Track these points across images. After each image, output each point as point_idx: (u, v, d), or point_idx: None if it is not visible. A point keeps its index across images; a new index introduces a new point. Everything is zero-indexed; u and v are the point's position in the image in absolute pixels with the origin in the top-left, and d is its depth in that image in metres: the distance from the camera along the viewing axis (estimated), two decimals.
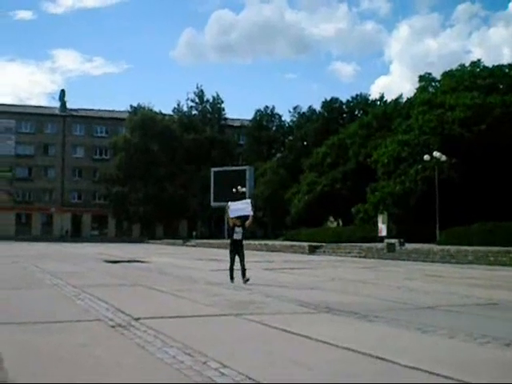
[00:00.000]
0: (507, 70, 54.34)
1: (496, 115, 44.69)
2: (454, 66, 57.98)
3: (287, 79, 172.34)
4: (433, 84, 58.57)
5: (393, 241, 36.47)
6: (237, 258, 17.19)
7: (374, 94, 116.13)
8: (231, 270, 17.17)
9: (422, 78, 59.76)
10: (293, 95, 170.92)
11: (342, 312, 11.43)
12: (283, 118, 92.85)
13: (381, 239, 40.30)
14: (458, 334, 9.02)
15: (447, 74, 56.57)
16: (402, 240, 36.26)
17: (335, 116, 77.84)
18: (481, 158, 42.49)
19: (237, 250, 17.13)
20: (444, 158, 40.31)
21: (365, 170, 52.88)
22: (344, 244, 42.66)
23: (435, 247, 34.30)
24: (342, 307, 11.97)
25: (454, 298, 14.36)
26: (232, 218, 17.03)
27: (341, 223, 65.63)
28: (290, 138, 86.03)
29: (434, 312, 11.74)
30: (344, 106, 79.27)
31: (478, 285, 18.15)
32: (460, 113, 45.48)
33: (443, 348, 8.14)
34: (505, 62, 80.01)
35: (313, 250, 43.26)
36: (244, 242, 17.60)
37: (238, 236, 17.11)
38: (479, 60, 56.78)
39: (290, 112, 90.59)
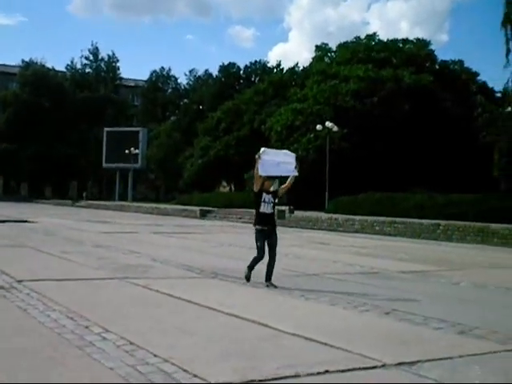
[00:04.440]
0: (401, 45, 55.51)
1: (388, 88, 45.72)
2: (351, 38, 58.81)
3: (186, 41, 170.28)
4: (329, 54, 59.11)
5: (283, 208, 36.91)
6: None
7: (271, 61, 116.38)
8: (255, 261, 10.94)
9: (318, 48, 60.16)
10: (191, 57, 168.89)
11: (228, 277, 11.54)
12: (179, 81, 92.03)
13: None
14: (340, 301, 9.28)
15: (343, 46, 57.30)
16: (291, 207, 36.78)
17: (232, 81, 77.47)
18: (372, 130, 43.40)
19: (267, 232, 10.93)
20: (336, 128, 40.92)
21: (258, 136, 52.90)
22: (235, 209, 42.91)
23: (323, 215, 35.00)
24: (228, 273, 12.08)
25: (338, 265, 14.74)
26: (261, 177, 11.07)
27: (233, 188, 65.95)
28: (186, 101, 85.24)
29: (318, 279, 12.02)
30: (241, 72, 79.09)
31: (361, 253, 18.68)
32: (353, 84, 46.22)
33: (324, 315, 8.35)
34: (402, 36, 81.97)
35: (204, 215, 43.36)
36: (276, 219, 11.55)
37: (267, 208, 11.00)
38: (375, 33, 57.71)
39: (186, 75, 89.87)
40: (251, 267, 10.90)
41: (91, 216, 39.82)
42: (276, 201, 11.19)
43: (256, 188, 11.10)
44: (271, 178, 11.28)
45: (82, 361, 5.58)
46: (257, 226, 10.98)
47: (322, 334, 6.82)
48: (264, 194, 10.98)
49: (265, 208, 10.97)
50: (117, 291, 9.76)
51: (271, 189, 11.24)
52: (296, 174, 11.20)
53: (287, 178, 11.32)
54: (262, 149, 11.27)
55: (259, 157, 10.95)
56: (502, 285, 12.04)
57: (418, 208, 32.05)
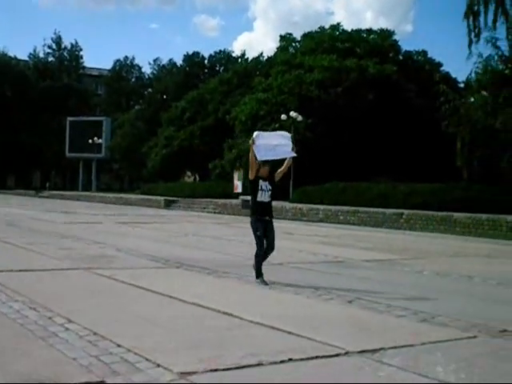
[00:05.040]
0: (365, 35, 55.74)
1: (352, 78, 45.90)
2: (316, 28, 58.85)
3: (150, 30, 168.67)
4: (293, 44, 59.11)
5: (248, 197, 36.86)
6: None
7: (236, 51, 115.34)
8: (258, 257, 10.32)
9: (282, 38, 60.17)
10: (155, 47, 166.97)
11: (192, 267, 11.53)
12: (143, 70, 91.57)
13: (236, 196, 40.71)
14: (304, 290, 9.32)
15: (307, 36, 57.32)
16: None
17: (196, 70, 77.16)
18: (336, 120, 43.53)
19: (265, 222, 10.29)
20: (300, 118, 40.95)
21: (223, 126, 52.95)
22: (200, 199, 42.84)
23: (288, 205, 35.06)
24: (193, 262, 12.07)
25: (303, 255, 14.79)
26: (257, 163, 10.18)
27: (198, 178, 65.82)
28: (150, 90, 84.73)
29: (282, 268, 12.05)
30: (206, 61, 78.76)
31: (325, 243, 18.78)
32: (318, 74, 46.31)
33: (288, 304, 8.38)
34: (366, 26, 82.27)
35: (168, 205, 43.23)
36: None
37: (264, 197, 10.27)
38: (339, 23, 57.86)
39: (150, 64, 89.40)
40: (258, 269, 10.15)
41: (55, 206, 39.45)
42: (273, 188, 10.39)
43: (251, 175, 10.27)
44: (267, 163, 10.25)
45: (45, 351, 5.53)
46: (255, 216, 10.31)
47: (286, 322, 6.84)
48: (261, 181, 10.20)
49: (262, 196, 10.22)
50: (81, 282, 9.70)
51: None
52: (294, 155, 10.34)
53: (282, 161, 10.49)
54: (256, 132, 10.44)
55: (253, 142, 10.01)
56: (465, 273, 12.18)
57: (381, 197, 32.23)
